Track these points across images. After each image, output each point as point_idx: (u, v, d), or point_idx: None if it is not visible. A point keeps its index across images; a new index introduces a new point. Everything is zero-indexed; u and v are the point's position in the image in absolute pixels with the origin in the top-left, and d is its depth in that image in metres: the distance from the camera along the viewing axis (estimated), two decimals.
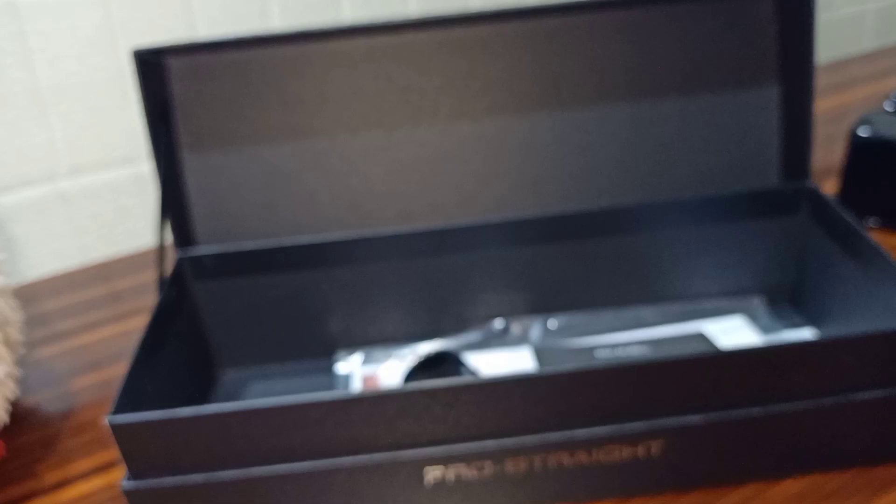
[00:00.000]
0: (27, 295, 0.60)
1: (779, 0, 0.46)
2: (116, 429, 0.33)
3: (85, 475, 0.44)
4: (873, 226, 0.58)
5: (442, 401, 0.34)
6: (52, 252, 0.66)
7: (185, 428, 0.33)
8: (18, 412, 0.49)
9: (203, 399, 0.48)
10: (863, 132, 0.56)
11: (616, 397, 0.34)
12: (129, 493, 0.35)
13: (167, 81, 0.46)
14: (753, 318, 0.49)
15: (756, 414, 0.35)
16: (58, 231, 0.66)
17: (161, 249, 0.45)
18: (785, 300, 0.50)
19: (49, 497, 0.43)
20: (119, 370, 0.50)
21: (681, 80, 0.48)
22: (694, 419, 0.35)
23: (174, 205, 0.48)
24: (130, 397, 0.35)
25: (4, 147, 0.62)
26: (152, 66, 0.45)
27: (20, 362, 0.48)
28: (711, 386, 0.34)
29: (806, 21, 0.45)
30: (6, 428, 0.47)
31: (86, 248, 0.68)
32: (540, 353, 0.48)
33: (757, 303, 0.50)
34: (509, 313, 0.50)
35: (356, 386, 0.47)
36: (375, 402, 0.33)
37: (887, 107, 0.58)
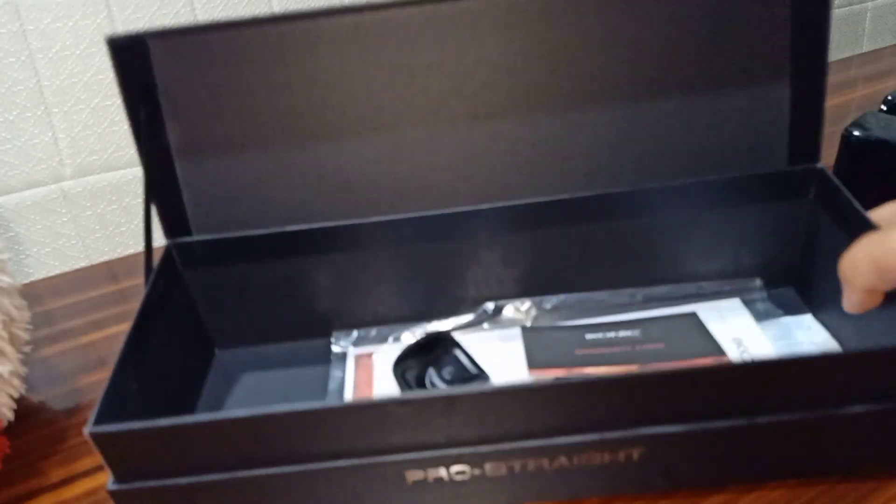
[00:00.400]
0: (32, 294, 0.61)
1: None
2: (96, 438, 0.33)
3: (90, 472, 0.45)
4: None
5: (420, 410, 0.34)
6: (56, 252, 0.67)
7: (166, 436, 0.33)
8: (24, 410, 0.49)
9: (196, 390, 0.48)
10: (855, 133, 0.57)
11: (595, 408, 0.34)
12: (114, 495, 0.35)
13: (149, 67, 0.44)
14: (751, 301, 0.49)
15: (737, 425, 0.35)
16: (62, 231, 0.67)
17: (149, 243, 0.45)
18: (789, 283, 0.50)
19: (54, 494, 0.43)
20: None
21: (688, 61, 0.45)
22: (674, 429, 0.35)
23: (165, 196, 0.47)
24: (114, 401, 0.35)
25: (8, 147, 0.63)
26: (131, 52, 0.43)
27: (25, 360, 0.49)
28: (691, 398, 0.34)
29: (821, 2, 0.43)
30: (11, 426, 0.47)
31: (90, 248, 0.68)
32: (527, 334, 0.48)
33: (755, 285, 0.50)
34: (504, 296, 0.50)
35: (350, 365, 0.48)
36: (354, 411, 0.33)
37: (883, 108, 0.58)
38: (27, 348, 0.49)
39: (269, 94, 0.45)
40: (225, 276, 0.48)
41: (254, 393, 0.48)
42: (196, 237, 0.48)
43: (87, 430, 0.33)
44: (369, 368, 0.48)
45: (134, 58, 0.43)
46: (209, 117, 0.46)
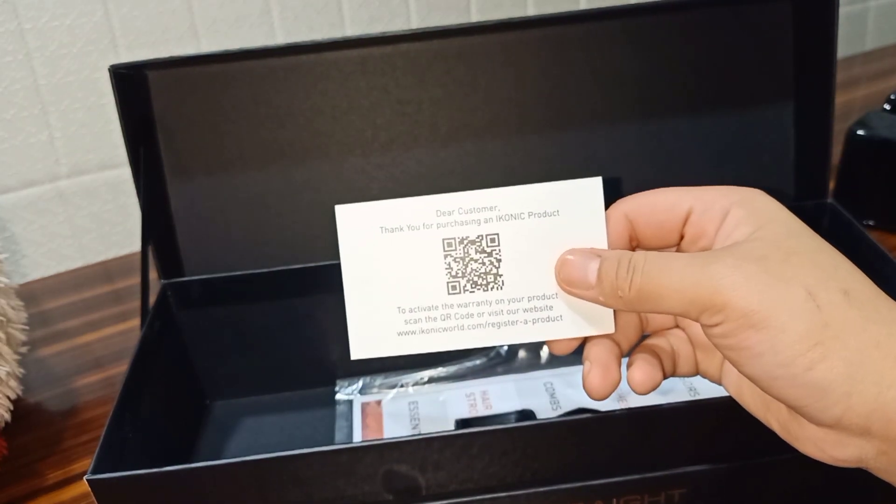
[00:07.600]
0: (28, 294, 0.60)
1: (797, 8, 0.44)
2: (95, 485, 0.32)
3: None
4: (869, 226, 0.58)
5: (448, 448, 0.32)
6: (52, 252, 0.66)
7: (164, 484, 0.32)
8: (20, 411, 0.49)
9: (192, 442, 0.46)
10: (859, 132, 0.56)
11: (633, 445, 0.32)
12: None
13: (148, 98, 0.43)
14: None
15: (783, 459, 0.33)
16: (58, 231, 0.66)
17: (145, 283, 0.43)
18: None
19: (51, 496, 0.43)
20: (121, 369, 0.50)
21: (692, 92, 0.45)
22: (717, 468, 0.33)
23: (159, 235, 0.45)
24: (112, 450, 0.34)
25: (5, 147, 0.62)
26: (131, 82, 0.42)
27: (22, 361, 0.48)
28: (732, 433, 0.33)
29: (826, 29, 0.42)
30: (8, 427, 0.47)
31: (86, 248, 0.68)
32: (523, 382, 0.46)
33: None
34: None
35: (356, 415, 0.46)
36: (355, 453, 0.32)
37: (886, 107, 0.58)
38: (24, 349, 0.49)
39: (270, 129, 0.44)
40: (221, 319, 0.46)
41: (253, 446, 0.45)
42: (192, 277, 0.46)
43: (86, 478, 0.32)
44: (378, 417, 0.46)
45: (134, 89, 0.42)
46: (206, 152, 0.44)
